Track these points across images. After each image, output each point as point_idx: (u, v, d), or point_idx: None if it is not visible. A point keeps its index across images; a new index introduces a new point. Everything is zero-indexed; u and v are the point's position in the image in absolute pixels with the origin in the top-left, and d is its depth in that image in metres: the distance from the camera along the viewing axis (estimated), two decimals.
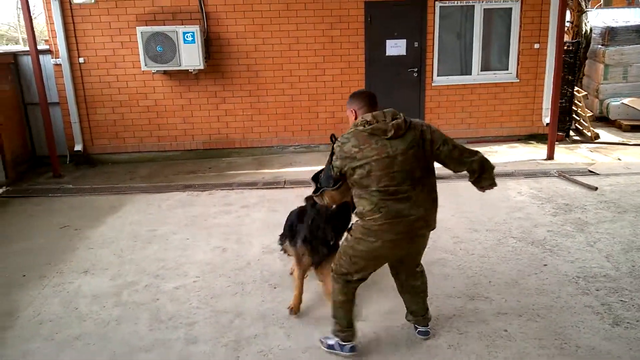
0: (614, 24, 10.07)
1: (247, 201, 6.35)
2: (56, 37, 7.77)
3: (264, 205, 6.18)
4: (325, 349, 3.45)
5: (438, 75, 8.65)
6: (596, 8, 13.23)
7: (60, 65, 7.89)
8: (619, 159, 7.68)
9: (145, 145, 8.36)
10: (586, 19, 10.38)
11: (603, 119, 10.08)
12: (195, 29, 7.56)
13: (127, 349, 3.56)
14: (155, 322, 3.86)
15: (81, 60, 7.94)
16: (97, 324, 3.85)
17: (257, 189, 6.82)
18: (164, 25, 7.74)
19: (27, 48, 7.79)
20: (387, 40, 8.40)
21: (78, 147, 8.18)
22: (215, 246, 5.11)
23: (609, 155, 7.90)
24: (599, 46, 10.15)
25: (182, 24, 7.77)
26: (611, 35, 9.88)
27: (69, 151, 8.28)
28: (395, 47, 8.47)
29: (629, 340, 3.44)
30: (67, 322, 3.88)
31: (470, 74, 8.73)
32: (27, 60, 7.98)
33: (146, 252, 5.03)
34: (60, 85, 8.00)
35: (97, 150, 8.33)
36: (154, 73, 7.96)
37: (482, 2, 8.39)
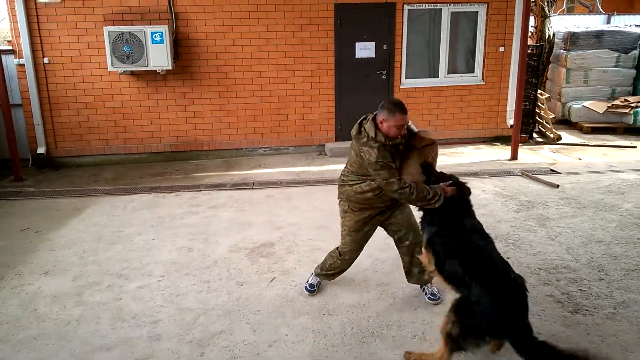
0: (575, 30, 10.37)
1: (215, 202, 6.30)
2: (20, 36, 7.59)
3: (232, 206, 6.14)
4: None
5: (406, 78, 8.76)
6: (559, 14, 13.64)
7: (23, 65, 7.70)
8: (580, 159, 7.90)
9: (111, 147, 8.22)
10: (549, 24, 10.67)
11: (565, 122, 10.35)
12: (164, 29, 7.49)
13: (88, 347, 3.48)
14: (117, 321, 3.79)
15: (46, 60, 7.77)
16: (57, 324, 3.76)
17: (226, 190, 6.77)
18: (132, 25, 7.65)
19: None
20: (356, 43, 8.48)
21: (41, 149, 7.98)
22: (181, 246, 5.05)
23: (571, 156, 8.12)
24: (562, 51, 10.44)
25: (151, 24, 7.69)
26: (573, 40, 10.17)
27: (31, 154, 8.07)
28: (365, 50, 8.55)
29: (587, 326, 3.53)
30: (25, 323, 3.78)
31: (438, 77, 8.86)
32: None
33: (110, 253, 4.93)
34: (23, 87, 7.80)
35: (60, 153, 8.14)
36: (120, 74, 7.84)
37: (450, 5, 8.55)
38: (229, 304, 3.97)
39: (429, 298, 3.88)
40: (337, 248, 3.98)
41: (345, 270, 4.04)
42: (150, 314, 3.86)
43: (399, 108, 3.37)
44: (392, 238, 3.91)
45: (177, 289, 4.22)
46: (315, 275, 4.11)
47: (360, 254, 3.98)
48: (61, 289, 4.24)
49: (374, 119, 3.48)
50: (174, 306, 3.96)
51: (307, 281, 4.13)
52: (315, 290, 4.06)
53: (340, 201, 3.83)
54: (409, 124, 3.54)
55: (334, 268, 3.98)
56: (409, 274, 3.93)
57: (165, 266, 4.63)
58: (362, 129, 3.50)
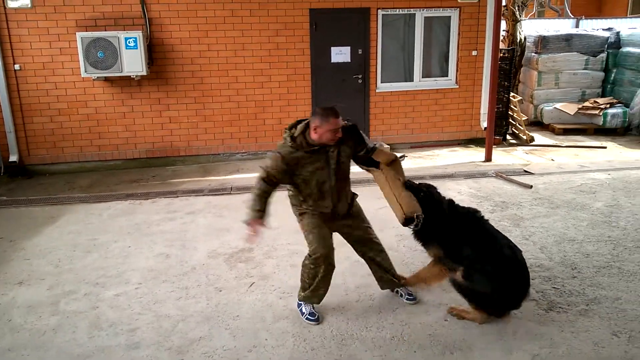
0: (546, 33, 10.61)
1: (192, 208, 6.26)
2: None
3: (210, 211, 6.12)
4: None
5: (382, 82, 8.85)
6: (530, 18, 13.94)
7: None
8: (553, 160, 8.08)
9: (86, 154, 8.11)
10: (521, 28, 10.89)
11: (538, 123, 10.57)
12: (138, 34, 7.43)
13: (65, 357, 3.44)
14: (94, 329, 3.74)
15: (17, 67, 7.63)
16: (33, 334, 3.70)
17: (203, 195, 6.74)
18: (106, 31, 7.57)
19: None
20: (332, 48, 8.53)
21: (13, 157, 7.83)
22: (159, 253, 5.02)
23: (543, 157, 8.30)
24: (533, 54, 10.67)
25: (125, 30, 7.62)
26: (543, 43, 10.41)
27: (3, 162, 7.90)
28: (340, 54, 8.61)
29: (561, 323, 3.62)
30: None
31: (413, 81, 8.97)
32: None
33: (86, 261, 4.87)
34: None
35: (34, 161, 8.00)
36: (94, 80, 7.75)
37: (423, 10, 8.67)
38: (208, 310, 3.96)
39: (406, 299, 3.96)
40: (304, 260, 3.76)
41: (326, 275, 3.71)
42: (127, 322, 3.83)
43: (332, 113, 3.48)
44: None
45: (155, 296, 4.19)
46: (302, 302, 3.83)
47: (337, 255, 3.94)
48: (36, 299, 4.17)
49: (307, 124, 3.57)
50: (152, 313, 3.93)
51: (303, 314, 3.79)
52: (317, 316, 3.75)
53: (292, 210, 3.89)
54: (371, 141, 3.74)
55: (313, 277, 3.70)
56: (380, 280, 4.00)
57: (143, 273, 4.59)
58: (291, 130, 3.64)
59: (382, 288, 4.03)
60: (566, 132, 9.85)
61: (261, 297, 4.11)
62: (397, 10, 8.59)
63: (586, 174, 7.17)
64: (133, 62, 7.47)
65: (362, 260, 4.06)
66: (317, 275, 3.70)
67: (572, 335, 3.48)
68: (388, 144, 8.78)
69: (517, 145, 9.18)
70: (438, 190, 3.80)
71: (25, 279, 4.54)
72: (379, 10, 8.50)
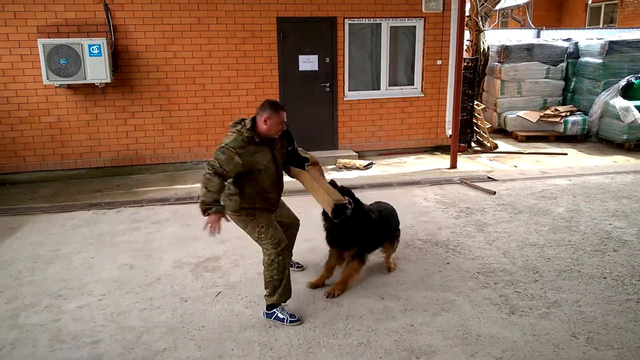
0: (508, 43, 10.89)
1: (158, 217, 6.18)
2: None
3: (176, 221, 6.04)
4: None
5: (349, 90, 8.93)
6: (493, 28, 14.28)
7: None
8: (515, 166, 8.28)
9: (48, 164, 7.91)
10: (484, 38, 11.17)
11: (501, 131, 10.83)
12: (102, 41, 7.31)
13: None
14: (56, 342, 3.65)
15: None
16: None
17: (169, 204, 6.65)
18: (69, 37, 7.43)
19: None
20: (299, 56, 8.57)
21: None
22: (123, 263, 4.92)
23: (507, 163, 8.50)
24: (496, 63, 10.94)
25: (88, 37, 7.49)
26: (506, 53, 10.68)
27: None
28: (308, 63, 8.65)
29: (523, 326, 3.70)
30: None
31: (380, 89, 9.08)
32: None
33: (47, 273, 4.74)
34: None
35: None
36: (57, 87, 7.58)
37: (389, 20, 8.80)
38: (173, 320, 3.91)
39: (297, 266, 4.63)
40: (271, 257, 3.78)
41: (288, 265, 3.85)
42: (90, 334, 3.74)
43: (281, 107, 3.78)
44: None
45: (118, 308, 4.11)
46: (276, 306, 3.83)
47: (307, 264, 4.14)
48: None
49: (254, 119, 3.77)
50: (115, 325, 3.86)
51: (283, 320, 3.80)
52: (297, 316, 3.82)
53: (238, 218, 3.93)
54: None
55: (284, 269, 3.76)
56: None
57: (106, 285, 4.49)
58: (239, 125, 3.79)
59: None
60: (529, 139, 10.11)
61: (227, 307, 4.08)
62: (364, 19, 8.69)
63: (548, 180, 7.37)
64: (97, 70, 7.35)
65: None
66: (287, 267, 3.83)
67: (534, 338, 3.57)
68: (356, 152, 8.86)
69: (482, 152, 9.38)
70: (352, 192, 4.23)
71: None
72: (346, 20, 8.59)
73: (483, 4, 10.93)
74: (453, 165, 8.21)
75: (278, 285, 3.79)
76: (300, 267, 4.68)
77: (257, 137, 3.72)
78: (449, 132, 8.94)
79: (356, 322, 3.80)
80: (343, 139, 9.02)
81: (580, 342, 3.52)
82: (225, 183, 3.71)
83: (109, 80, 7.47)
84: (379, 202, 4.74)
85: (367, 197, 6.37)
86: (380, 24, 8.81)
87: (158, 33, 7.86)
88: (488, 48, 11.15)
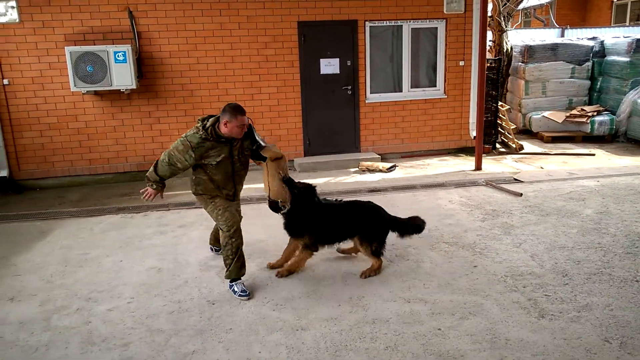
0: (531, 43, 10.76)
1: (184, 221, 6.25)
2: None
3: (202, 224, 6.10)
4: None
5: (371, 93, 8.92)
6: (515, 28, 14.12)
7: None
8: (542, 168, 8.16)
9: (76, 168, 8.08)
10: (507, 38, 11.03)
11: (526, 132, 10.70)
12: (127, 48, 7.44)
13: None
14: (87, 344, 3.71)
15: (5, 82, 7.61)
16: (25, 350, 3.66)
17: (195, 208, 6.71)
18: (94, 45, 7.58)
19: None
20: (321, 59, 8.60)
21: (3, 172, 7.78)
22: (151, 266, 4.99)
23: (533, 165, 8.39)
24: (520, 63, 10.81)
25: (113, 44, 7.64)
26: (530, 53, 10.55)
27: None
28: (329, 66, 8.68)
29: (553, 330, 3.64)
30: None
31: (402, 91, 9.06)
32: None
33: (77, 276, 4.84)
34: None
35: (24, 176, 7.95)
36: (84, 94, 7.74)
37: (410, 22, 8.77)
38: (201, 323, 3.94)
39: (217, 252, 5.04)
40: (225, 239, 4.29)
41: (241, 245, 4.34)
42: (120, 336, 3.80)
43: (240, 110, 4.10)
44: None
45: (147, 310, 4.16)
46: (233, 280, 4.36)
47: (330, 267, 4.25)
48: (28, 315, 4.13)
49: (217, 119, 4.14)
50: (144, 328, 3.91)
51: (235, 292, 4.32)
52: (248, 292, 4.31)
53: (199, 199, 4.47)
54: (259, 138, 4.40)
55: (236, 249, 4.28)
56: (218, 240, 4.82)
57: (135, 288, 4.56)
58: (203, 122, 4.18)
59: (214, 247, 5.09)
60: (555, 140, 9.96)
61: (254, 310, 4.10)
62: (385, 22, 8.68)
63: (575, 181, 7.25)
64: (122, 76, 7.47)
65: (354, 270, 4.48)
66: (239, 247, 4.31)
67: (565, 342, 3.51)
68: (379, 154, 8.84)
69: (507, 153, 9.27)
70: (315, 190, 4.64)
71: (17, 295, 4.50)
72: (367, 22, 8.59)
73: (505, 4, 10.80)
74: (478, 167, 8.13)
75: (230, 263, 4.30)
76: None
77: (215, 136, 4.12)
78: (473, 133, 8.86)
79: (383, 325, 3.78)
80: (365, 141, 9.01)
81: (614, 346, 3.45)
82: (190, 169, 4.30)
83: (134, 87, 7.60)
84: (358, 200, 4.97)
85: (390, 200, 6.41)
86: (402, 25, 8.79)
87: (181, 39, 7.97)
88: (511, 48, 11.02)
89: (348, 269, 4.70)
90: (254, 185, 7.60)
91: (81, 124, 7.94)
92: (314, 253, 4.65)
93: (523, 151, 9.28)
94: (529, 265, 4.67)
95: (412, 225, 4.69)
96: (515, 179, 7.43)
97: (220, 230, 4.38)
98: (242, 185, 4.58)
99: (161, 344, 3.69)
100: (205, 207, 4.45)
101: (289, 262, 4.72)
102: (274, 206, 4.53)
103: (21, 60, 7.61)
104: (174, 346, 3.66)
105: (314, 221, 4.53)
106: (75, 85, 7.43)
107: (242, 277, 4.40)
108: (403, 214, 6.01)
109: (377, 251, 4.58)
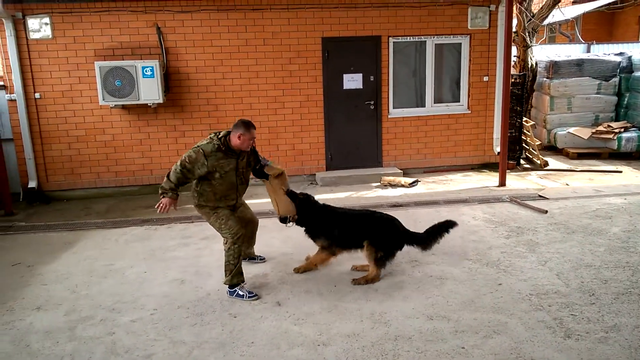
0: (557, 59, 10.66)
1: (206, 233, 6.29)
2: (11, 72, 7.67)
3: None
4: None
5: (394, 108, 8.93)
6: (540, 43, 14.01)
7: (15, 101, 7.77)
8: (567, 184, 8.03)
9: (102, 180, 8.24)
10: (532, 54, 10.96)
11: (551, 148, 10.55)
12: (155, 63, 7.61)
13: None
14: (111, 355, 3.76)
15: (37, 95, 7.84)
16: None
17: None
18: (123, 60, 7.77)
19: None
20: (344, 75, 8.66)
21: (32, 183, 7.99)
22: (174, 278, 5.04)
23: (558, 181, 8.26)
24: (544, 79, 10.71)
25: (142, 59, 7.82)
26: (555, 68, 10.45)
27: (22, 188, 8.07)
28: (352, 81, 8.73)
29: (580, 351, 3.56)
30: (17, 359, 3.73)
31: (424, 106, 9.05)
32: None
33: (102, 287, 4.91)
34: (14, 121, 7.85)
35: (52, 187, 8.14)
36: (112, 107, 7.92)
37: (434, 37, 8.79)
38: (223, 336, 3.96)
39: (260, 259, 5.34)
40: (228, 245, 4.51)
41: (242, 252, 4.60)
42: (143, 347, 3.84)
43: (252, 125, 4.45)
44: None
45: (170, 322, 4.20)
46: (235, 286, 4.55)
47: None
48: (53, 324, 4.21)
49: (228, 133, 4.46)
50: (167, 339, 3.94)
51: (243, 296, 4.52)
52: (254, 292, 4.56)
53: (201, 211, 4.68)
54: (263, 159, 4.77)
55: (238, 255, 4.50)
56: (246, 253, 5.14)
57: (158, 299, 4.61)
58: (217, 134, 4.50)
59: (243, 257, 5.03)
60: (580, 156, 9.81)
61: (275, 324, 4.11)
62: (408, 37, 8.71)
63: (602, 199, 7.11)
64: (150, 91, 7.63)
65: (375, 286, 4.51)
66: (241, 254, 4.57)
67: None
68: (401, 169, 8.81)
69: (531, 169, 9.16)
70: (313, 198, 5.00)
71: (43, 304, 4.58)
72: (390, 38, 8.63)
73: (530, 19, 10.75)
74: (502, 183, 8.05)
75: (233, 269, 4.49)
76: (263, 259, 5.37)
77: (226, 148, 4.41)
78: (497, 149, 8.78)
79: (405, 342, 3.75)
80: (387, 156, 9.00)
81: None
82: (193, 182, 4.55)
83: (161, 101, 7.75)
84: (368, 210, 5.36)
85: (413, 215, 6.37)
86: (425, 41, 8.81)
87: (208, 55, 8.11)
88: (536, 64, 10.94)
89: (370, 285, 4.67)
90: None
91: (108, 136, 8.12)
92: (334, 256, 4.92)
93: (548, 167, 9.15)
94: (555, 284, 4.59)
95: (433, 234, 4.83)
96: (540, 196, 7.32)
97: (223, 240, 4.58)
98: (242, 198, 4.91)
99: (183, 356, 3.72)
100: (208, 219, 4.66)
101: (308, 260, 5.04)
102: (282, 220, 4.89)
103: (53, 74, 7.83)
104: (196, 358, 3.68)
105: (326, 223, 4.85)
106: (103, 99, 7.61)
107: (242, 283, 4.60)
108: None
109: (380, 260, 4.67)
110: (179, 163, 4.41)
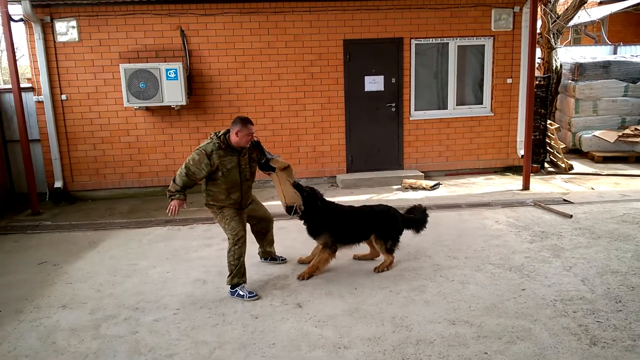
0: (582, 60, 10.49)
1: None
2: (39, 74, 7.85)
3: (247, 238, 6.16)
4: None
5: (415, 110, 8.88)
6: (565, 45, 13.80)
7: (42, 102, 7.95)
8: (593, 189, 7.89)
9: (126, 181, 8.36)
10: (556, 56, 10.81)
11: (576, 151, 10.38)
12: (178, 65, 7.70)
13: None
14: (134, 354, 3.80)
15: (63, 97, 8.00)
16: (75, 357, 3.78)
17: None
18: (147, 62, 7.88)
19: (9, 86, 7.84)
20: (365, 77, 8.65)
21: (58, 184, 8.15)
22: (196, 279, 5.09)
23: (583, 185, 8.12)
24: (569, 81, 10.54)
25: (165, 62, 7.92)
26: (580, 70, 10.28)
27: (48, 188, 8.24)
28: (374, 83, 8.71)
29: (606, 358, 3.49)
30: (43, 356, 3.80)
31: (447, 109, 8.98)
32: (9, 98, 8.04)
33: (126, 286, 4.98)
34: (41, 122, 8.03)
35: (77, 187, 8.29)
36: (136, 109, 8.04)
37: (456, 39, 8.72)
38: (244, 337, 3.98)
39: (281, 260, 5.40)
40: (229, 246, 4.62)
41: (244, 253, 4.65)
42: (166, 347, 3.88)
43: (249, 121, 4.57)
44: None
45: (192, 322, 4.24)
46: (234, 286, 4.63)
47: (373, 285, 4.34)
48: (79, 322, 4.28)
49: (228, 131, 4.57)
50: (189, 339, 3.97)
51: (243, 296, 4.58)
52: (254, 292, 4.61)
53: (211, 210, 4.81)
54: (267, 152, 4.88)
55: (239, 256, 4.59)
56: (264, 252, 5.38)
57: (181, 299, 4.65)
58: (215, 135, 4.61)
59: (262, 257, 5.40)
60: (606, 160, 9.63)
61: (296, 325, 4.11)
62: (431, 39, 8.66)
63: (628, 204, 6.97)
64: (173, 93, 7.72)
65: (397, 290, 4.43)
66: (242, 254, 4.62)
67: None
68: (422, 172, 8.76)
69: (556, 173, 9.02)
70: (320, 192, 5.06)
71: (68, 302, 4.67)
72: (412, 40, 8.59)
73: (555, 21, 10.60)
74: (525, 186, 7.94)
75: (233, 269, 4.59)
76: (284, 260, 5.42)
77: (227, 145, 4.53)
78: (521, 152, 8.68)
79: (427, 347, 3.72)
80: (409, 158, 8.95)
81: None
82: (201, 183, 4.67)
83: (184, 103, 7.84)
84: (367, 205, 5.37)
85: (434, 219, 6.30)
86: (448, 43, 8.75)
87: (230, 57, 8.18)
88: (561, 66, 10.78)
89: (392, 288, 4.65)
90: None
91: (132, 138, 8.23)
92: (334, 255, 4.98)
93: (573, 171, 9.01)
94: (580, 290, 4.51)
95: (419, 219, 5.24)
96: (565, 200, 7.21)
97: (227, 239, 4.68)
98: (251, 195, 4.96)
99: (205, 356, 3.75)
100: (215, 218, 4.80)
101: (310, 264, 5.04)
102: (289, 210, 4.92)
103: (78, 76, 7.99)
104: (218, 359, 3.70)
105: (330, 219, 4.92)
106: (128, 101, 7.73)
107: (243, 283, 4.66)
108: (447, 234, 5.98)
109: (391, 248, 5.04)
110: (183, 166, 4.54)
